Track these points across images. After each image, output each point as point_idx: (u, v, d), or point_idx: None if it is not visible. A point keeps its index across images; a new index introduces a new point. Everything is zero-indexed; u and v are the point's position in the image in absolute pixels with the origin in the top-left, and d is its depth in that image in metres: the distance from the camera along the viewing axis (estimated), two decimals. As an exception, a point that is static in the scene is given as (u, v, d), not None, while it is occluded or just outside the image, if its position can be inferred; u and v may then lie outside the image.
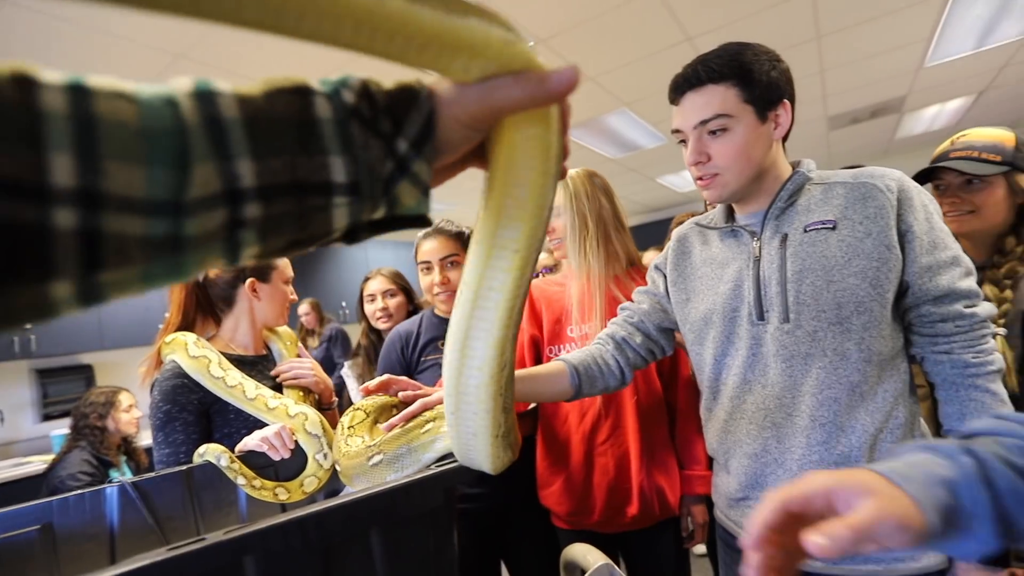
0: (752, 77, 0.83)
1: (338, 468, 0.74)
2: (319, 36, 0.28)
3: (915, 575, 0.78)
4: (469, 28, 0.32)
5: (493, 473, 0.54)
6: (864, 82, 3.53)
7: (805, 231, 0.84)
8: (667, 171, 5.01)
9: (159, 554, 0.42)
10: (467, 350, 0.45)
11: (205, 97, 0.27)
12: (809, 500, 0.40)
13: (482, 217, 0.41)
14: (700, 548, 2.51)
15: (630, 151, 4.31)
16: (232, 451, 0.93)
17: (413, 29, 0.30)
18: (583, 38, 2.54)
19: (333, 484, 0.99)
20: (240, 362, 1.12)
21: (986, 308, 0.81)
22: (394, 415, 0.81)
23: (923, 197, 0.82)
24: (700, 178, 0.89)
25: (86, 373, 3.77)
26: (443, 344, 1.43)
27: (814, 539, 0.36)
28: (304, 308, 4.19)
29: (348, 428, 0.77)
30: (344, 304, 5.30)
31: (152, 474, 0.86)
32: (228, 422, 1.07)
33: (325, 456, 0.98)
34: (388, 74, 0.33)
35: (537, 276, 2.18)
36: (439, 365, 1.43)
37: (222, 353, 1.09)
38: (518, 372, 0.85)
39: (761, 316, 0.86)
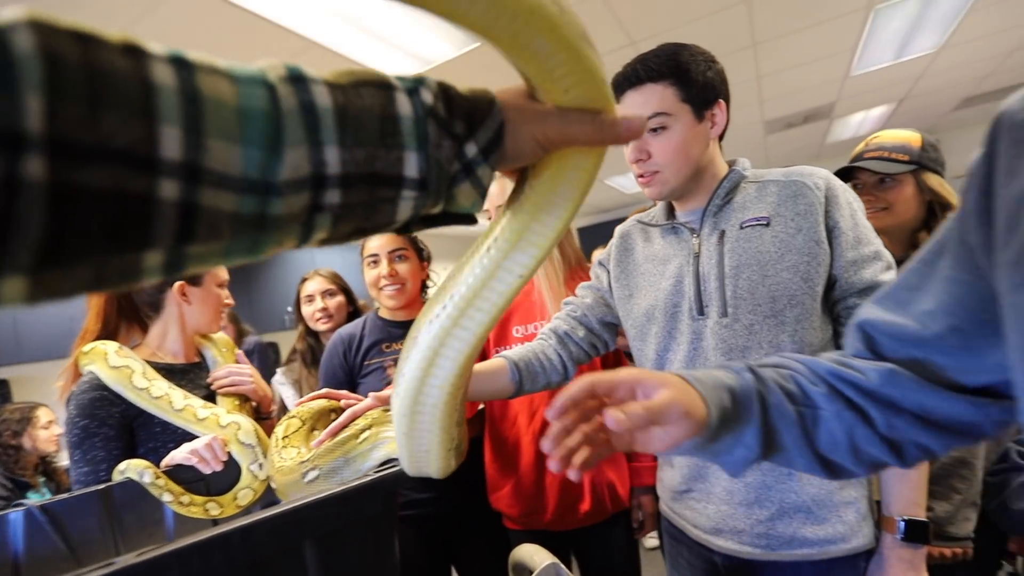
0: (689, 77, 0.85)
1: (273, 485, 0.70)
2: (475, 20, 0.30)
3: (846, 555, 0.82)
4: (591, 57, 0.35)
5: (440, 478, 0.53)
6: (797, 88, 3.73)
7: (741, 228, 0.87)
8: (615, 172, 5.11)
9: (55, 584, 0.38)
10: (433, 368, 0.42)
11: (300, 82, 0.28)
12: (615, 386, 0.47)
13: (502, 228, 0.40)
14: (652, 541, 2.56)
15: (579, 153, 4.37)
16: (158, 466, 0.87)
17: (558, 35, 0.32)
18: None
19: (270, 496, 0.94)
20: (168, 371, 1.05)
21: None
22: (333, 420, 0.77)
23: (848, 195, 0.86)
24: (641, 175, 0.90)
25: (1, 389, 3.46)
26: (388, 347, 1.40)
27: (612, 413, 0.42)
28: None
29: (283, 439, 0.73)
30: (290, 309, 5.06)
31: (64, 495, 0.79)
32: (154, 436, 0.99)
33: (260, 467, 0.92)
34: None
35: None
36: (383, 368, 1.39)
37: (148, 361, 1.02)
38: None
39: (701, 311, 0.88)
